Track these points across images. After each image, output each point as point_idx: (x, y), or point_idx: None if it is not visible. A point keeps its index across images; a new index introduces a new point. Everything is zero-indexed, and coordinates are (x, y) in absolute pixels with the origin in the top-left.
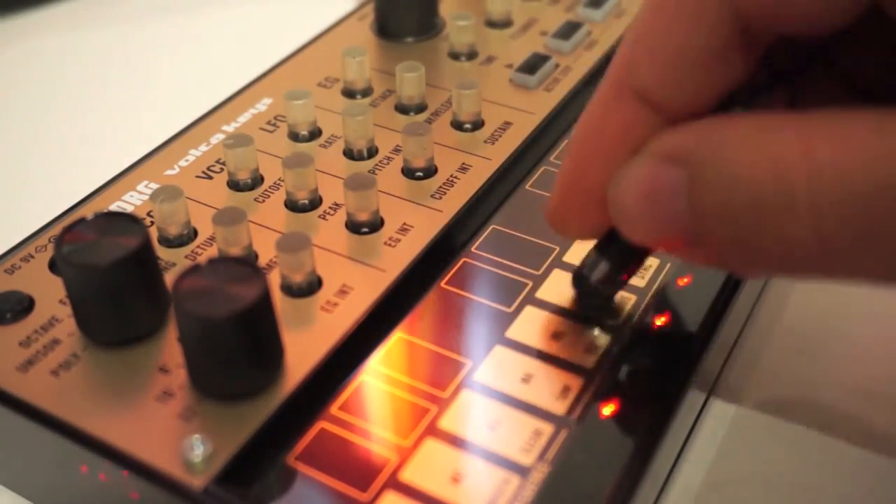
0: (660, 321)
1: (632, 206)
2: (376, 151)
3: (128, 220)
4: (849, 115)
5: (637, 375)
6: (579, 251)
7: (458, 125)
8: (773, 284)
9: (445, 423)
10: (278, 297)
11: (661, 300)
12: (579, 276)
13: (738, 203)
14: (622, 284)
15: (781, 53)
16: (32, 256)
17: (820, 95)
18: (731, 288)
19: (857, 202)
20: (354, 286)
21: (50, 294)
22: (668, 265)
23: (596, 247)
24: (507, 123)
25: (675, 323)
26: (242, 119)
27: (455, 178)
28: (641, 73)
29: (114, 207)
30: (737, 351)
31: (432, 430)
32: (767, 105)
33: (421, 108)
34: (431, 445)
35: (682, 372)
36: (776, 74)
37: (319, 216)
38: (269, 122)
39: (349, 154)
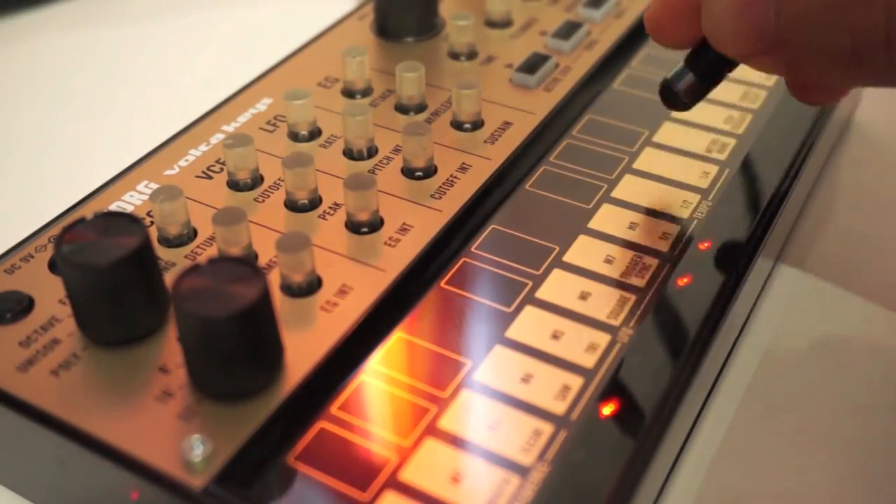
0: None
1: (723, 14)
2: (376, 151)
3: (128, 220)
4: None
5: (639, 373)
6: (580, 251)
7: (458, 125)
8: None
9: (445, 423)
10: (278, 297)
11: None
12: (666, 85)
13: (820, 4)
14: (702, 96)
15: None
16: (32, 256)
17: None
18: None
19: None
20: (354, 286)
21: (50, 294)
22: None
23: (685, 59)
24: (507, 123)
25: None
26: (242, 119)
27: (455, 178)
28: None
29: (114, 207)
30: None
31: (432, 430)
32: None
33: (421, 108)
34: (431, 445)
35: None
36: None
37: (319, 216)
38: (268, 122)
39: (349, 154)
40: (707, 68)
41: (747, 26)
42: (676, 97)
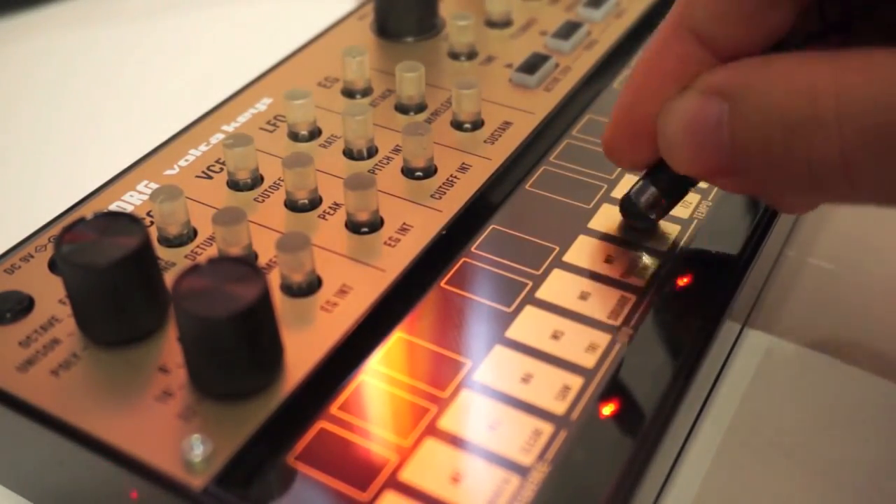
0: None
1: (677, 137)
2: (376, 151)
3: (128, 220)
4: (879, 51)
5: (638, 373)
6: (580, 251)
7: (457, 125)
8: (804, 221)
9: (445, 422)
10: (278, 297)
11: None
12: (627, 201)
13: (773, 129)
14: (667, 210)
15: (834, 4)
16: (32, 256)
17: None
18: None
19: (879, 125)
20: (354, 286)
21: (50, 294)
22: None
23: (645, 174)
24: (507, 123)
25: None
26: (242, 119)
27: (455, 178)
28: (697, 12)
29: (114, 207)
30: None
31: (432, 430)
32: None
33: (421, 108)
34: (431, 445)
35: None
36: (829, 25)
37: (319, 216)
38: (268, 122)
39: (349, 154)
40: (669, 184)
41: (701, 149)
42: (641, 213)
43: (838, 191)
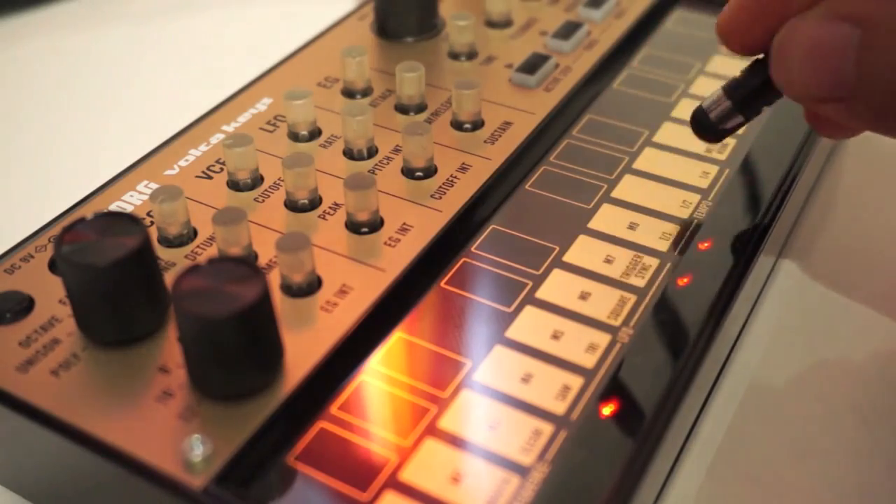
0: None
1: (797, 60)
2: (376, 151)
3: (128, 220)
4: None
5: (638, 374)
6: (580, 251)
7: (458, 125)
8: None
9: (445, 423)
10: (278, 297)
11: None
12: (700, 112)
13: None
14: (737, 127)
15: None
16: (32, 256)
17: None
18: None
19: None
20: (354, 286)
21: (50, 294)
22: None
23: (724, 87)
24: (507, 123)
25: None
26: (242, 119)
27: (455, 178)
28: None
29: (114, 207)
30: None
31: (432, 430)
32: None
33: (421, 108)
34: (431, 445)
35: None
36: None
37: (319, 216)
38: (268, 122)
39: (349, 154)
40: (744, 99)
41: (820, 74)
42: (711, 126)
43: None
